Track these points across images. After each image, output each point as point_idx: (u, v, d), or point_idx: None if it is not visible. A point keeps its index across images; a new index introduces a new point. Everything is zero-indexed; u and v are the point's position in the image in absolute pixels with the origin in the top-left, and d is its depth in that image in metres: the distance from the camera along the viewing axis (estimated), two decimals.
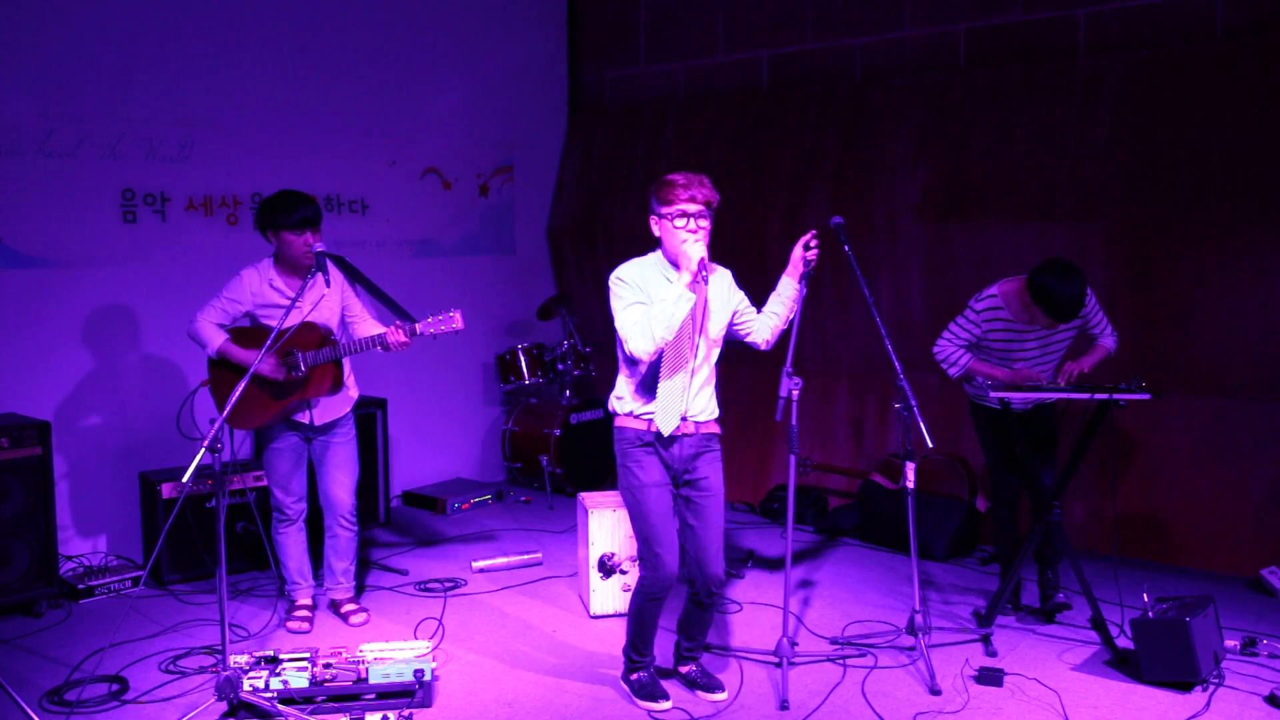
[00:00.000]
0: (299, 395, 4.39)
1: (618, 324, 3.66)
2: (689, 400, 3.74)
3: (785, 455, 6.72)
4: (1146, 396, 4.13)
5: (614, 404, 3.84)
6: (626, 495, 3.80)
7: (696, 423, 3.77)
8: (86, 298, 5.31)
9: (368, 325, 4.57)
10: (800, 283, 3.86)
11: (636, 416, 3.75)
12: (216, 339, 4.41)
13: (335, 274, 4.55)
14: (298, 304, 4.31)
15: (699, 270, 3.60)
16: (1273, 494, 5.19)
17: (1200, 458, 5.37)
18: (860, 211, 6.15)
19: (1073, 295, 4.20)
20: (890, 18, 6.35)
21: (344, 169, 6.28)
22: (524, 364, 6.80)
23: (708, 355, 3.80)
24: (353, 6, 6.29)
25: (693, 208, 3.63)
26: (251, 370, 3.85)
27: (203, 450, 3.58)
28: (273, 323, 4.35)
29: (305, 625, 4.59)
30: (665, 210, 3.66)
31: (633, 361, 3.70)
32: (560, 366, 6.86)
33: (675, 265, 3.67)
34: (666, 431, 3.70)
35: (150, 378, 5.55)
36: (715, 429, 3.85)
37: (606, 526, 4.74)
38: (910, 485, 4.06)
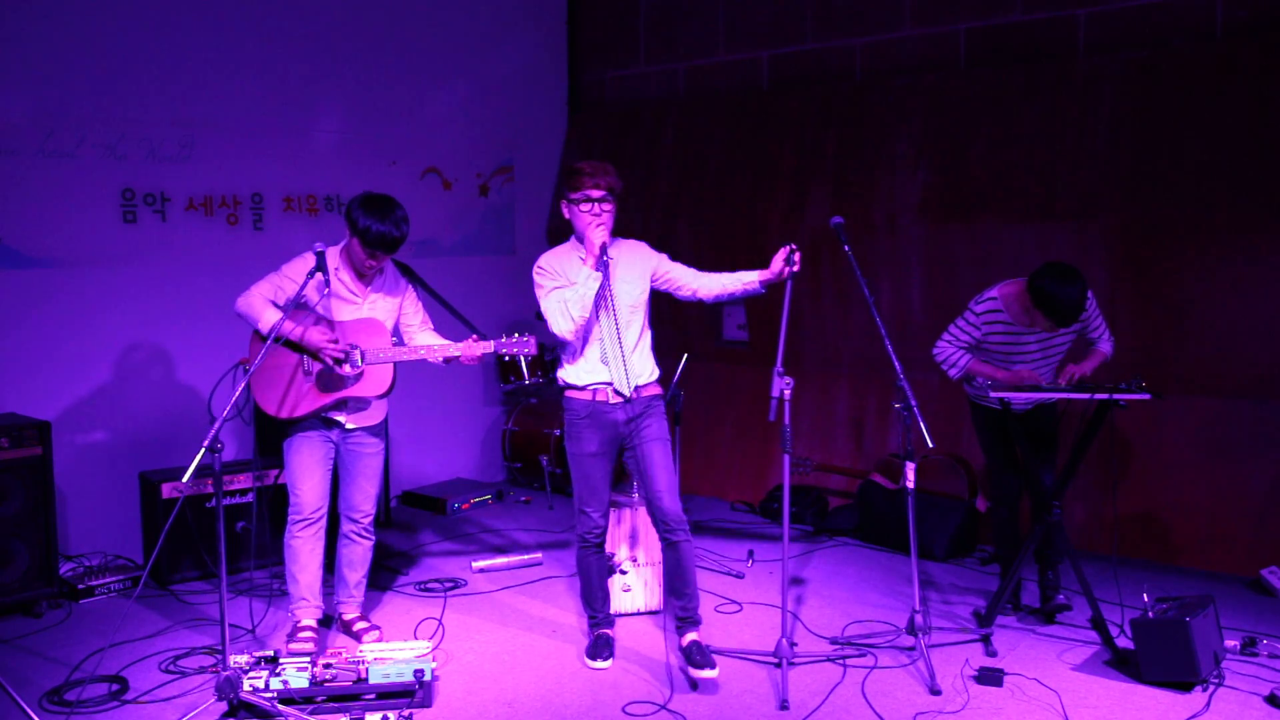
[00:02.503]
0: (347, 392, 4.21)
1: (542, 309, 4.08)
2: (625, 364, 4.07)
3: (783, 455, 6.72)
4: (1146, 396, 4.13)
5: (561, 379, 4.20)
6: (569, 458, 4.23)
7: (637, 386, 4.11)
8: (86, 298, 5.31)
9: (425, 335, 4.43)
10: (787, 284, 4.06)
11: (581, 388, 4.11)
12: (270, 315, 4.14)
13: (399, 281, 4.45)
14: (357, 299, 4.26)
15: (601, 253, 3.99)
16: (1273, 494, 5.19)
17: (1200, 458, 5.37)
18: (860, 211, 6.15)
19: (1073, 299, 4.19)
20: (890, 18, 6.35)
21: (344, 169, 6.27)
22: (524, 364, 6.80)
23: (630, 321, 4.10)
24: (353, 7, 6.29)
25: (596, 193, 4.02)
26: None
27: (203, 450, 3.57)
28: (328, 314, 4.23)
29: (311, 647, 4.26)
30: (574, 195, 4.06)
31: (561, 342, 4.09)
32: None
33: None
34: (627, 391, 4.06)
35: (150, 378, 5.55)
36: (656, 390, 4.22)
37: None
38: (910, 485, 4.06)
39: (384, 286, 4.38)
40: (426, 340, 4.38)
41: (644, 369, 4.16)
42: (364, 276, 4.29)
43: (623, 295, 4.10)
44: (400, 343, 4.37)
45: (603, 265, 4.02)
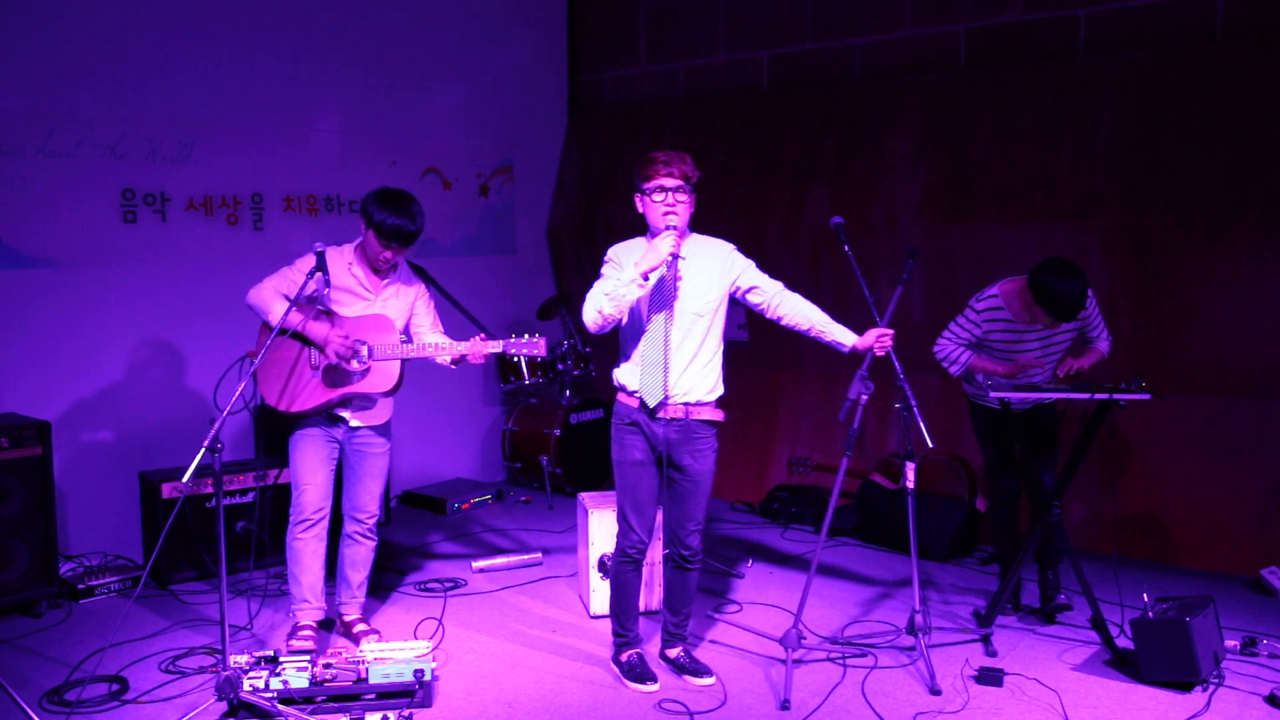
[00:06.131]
0: (353, 388, 4.18)
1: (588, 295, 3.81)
2: (673, 377, 3.78)
3: (784, 455, 6.73)
4: (1146, 396, 4.13)
5: (615, 379, 3.97)
6: (614, 465, 3.95)
7: (685, 404, 3.82)
8: (86, 298, 5.31)
9: (434, 336, 4.37)
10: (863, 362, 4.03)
11: (629, 393, 3.88)
12: (279, 307, 4.08)
13: (413, 280, 4.40)
14: (369, 295, 4.23)
15: (663, 262, 3.67)
16: (1273, 494, 5.19)
17: (1200, 458, 5.37)
18: (860, 211, 6.15)
19: (1074, 294, 4.20)
20: (890, 18, 6.35)
21: (344, 169, 6.27)
22: (524, 364, 6.80)
23: (691, 330, 3.81)
24: (353, 6, 6.29)
25: (671, 183, 3.70)
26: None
27: (202, 450, 3.57)
28: (338, 309, 4.18)
29: (310, 645, 4.27)
30: (646, 186, 3.75)
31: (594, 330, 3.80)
32: (560, 366, 6.86)
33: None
34: (652, 403, 3.79)
35: (150, 377, 5.55)
36: (711, 414, 3.90)
37: (606, 526, 4.73)
38: (910, 485, 4.06)
39: (398, 284, 4.34)
40: (435, 340, 4.33)
41: (698, 385, 3.82)
42: (379, 272, 4.26)
43: (688, 299, 3.79)
44: (409, 341, 4.35)
45: (671, 264, 3.73)
